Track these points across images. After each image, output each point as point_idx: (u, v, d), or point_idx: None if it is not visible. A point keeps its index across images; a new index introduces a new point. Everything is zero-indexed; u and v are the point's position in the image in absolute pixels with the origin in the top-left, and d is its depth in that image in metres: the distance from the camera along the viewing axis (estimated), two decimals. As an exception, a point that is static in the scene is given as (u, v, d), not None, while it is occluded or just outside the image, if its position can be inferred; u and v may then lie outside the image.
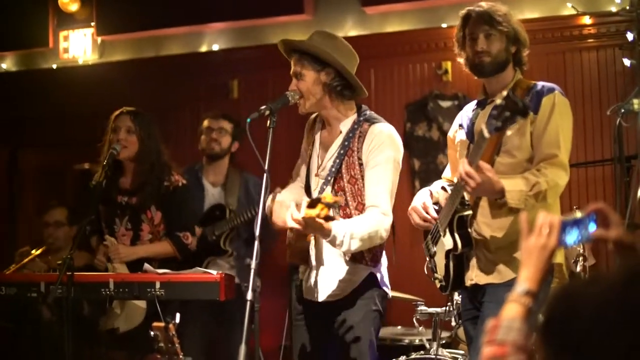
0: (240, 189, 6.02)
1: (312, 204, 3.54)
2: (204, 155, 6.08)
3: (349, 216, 3.88)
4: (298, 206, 3.68)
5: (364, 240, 3.75)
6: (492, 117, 3.28)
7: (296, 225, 3.64)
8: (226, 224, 5.83)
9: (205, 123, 6.10)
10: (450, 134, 4.16)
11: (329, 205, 3.49)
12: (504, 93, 3.26)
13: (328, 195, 3.55)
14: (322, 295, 4.01)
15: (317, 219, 3.53)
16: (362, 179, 3.89)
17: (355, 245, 3.74)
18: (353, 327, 3.92)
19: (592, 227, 2.14)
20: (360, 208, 3.88)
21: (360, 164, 3.90)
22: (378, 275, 4.00)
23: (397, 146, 3.94)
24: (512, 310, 2.08)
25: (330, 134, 4.03)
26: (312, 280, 4.05)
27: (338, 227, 3.70)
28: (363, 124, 3.96)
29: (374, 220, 3.80)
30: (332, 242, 3.73)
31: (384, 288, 4.02)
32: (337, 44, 3.99)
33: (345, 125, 3.98)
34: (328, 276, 3.99)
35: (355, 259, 3.94)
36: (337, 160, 3.93)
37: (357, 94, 4.03)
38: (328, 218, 3.57)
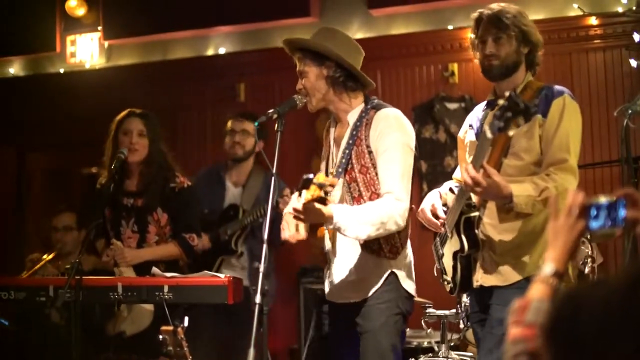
0: (261, 188, 5.98)
1: (305, 186, 3.42)
2: (229, 159, 6.05)
3: None
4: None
5: (375, 225, 3.67)
6: (495, 118, 3.27)
7: (298, 215, 3.55)
8: (237, 224, 5.83)
9: (229, 125, 6.04)
10: (460, 135, 4.15)
11: (320, 186, 3.38)
12: (507, 94, 3.26)
13: (320, 176, 3.47)
14: (342, 297, 3.97)
15: (315, 204, 3.46)
16: (374, 168, 3.84)
17: (366, 232, 3.67)
18: (374, 333, 3.85)
19: (621, 212, 2.09)
20: (374, 198, 3.81)
21: (370, 152, 3.85)
22: (400, 274, 3.90)
23: (405, 129, 3.89)
24: (540, 291, 2.06)
25: (342, 128, 4.02)
26: (331, 279, 4.00)
27: (341, 212, 3.64)
28: (370, 111, 3.93)
29: (387, 205, 3.72)
30: (338, 229, 3.66)
31: (407, 288, 3.93)
32: (337, 38, 3.99)
33: (352, 116, 3.96)
34: (346, 275, 3.93)
35: (372, 250, 3.87)
36: (347, 151, 3.90)
37: (363, 85, 4.01)
38: (323, 202, 3.47)
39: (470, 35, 3.95)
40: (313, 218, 3.61)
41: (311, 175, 3.39)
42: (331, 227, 3.69)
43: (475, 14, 3.88)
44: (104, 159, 4.97)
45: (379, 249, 3.88)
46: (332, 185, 3.44)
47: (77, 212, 6.40)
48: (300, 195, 3.51)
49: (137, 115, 4.97)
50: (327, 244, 4.02)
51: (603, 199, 2.12)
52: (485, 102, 3.99)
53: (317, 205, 3.50)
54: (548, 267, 2.12)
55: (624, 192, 2.12)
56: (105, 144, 5.00)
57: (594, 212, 2.12)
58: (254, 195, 5.94)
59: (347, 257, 3.95)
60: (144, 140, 4.91)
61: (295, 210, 3.55)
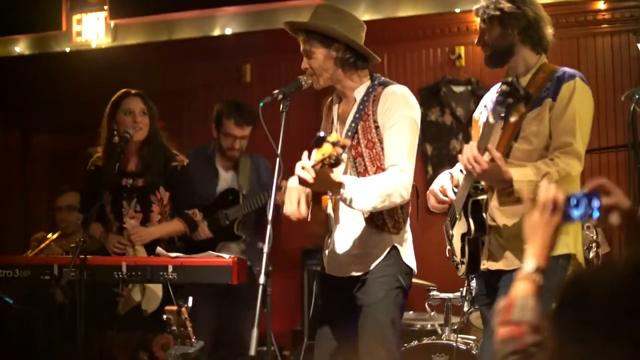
0: (251, 172, 5.96)
1: (318, 144, 3.36)
2: (220, 151, 5.93)
3: None
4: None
5: (381, 197, 3.66)
6: (497, 104, 3.27)
7: (306, 176, 3.45)
8: (240, 210, 5.80)
9: (231, 127, 5.81)
10: (475, 115, 4.14)
11: (334, 144, 3.30)
12: (509, 79, 3.25)
13: (334, 135, 3.42)
14: (343, 271, 3.97)
15: (326, 166, 3.39)
16: (380, 143, 3.84)
17: (371, 203, 3.67)
18: (373, 306, 3.87)
19: (595, 202, 2.13)
20: (380, 173, 3.81)
21: (377, 127, 3.85)
22: (402, 249, 3.92)
23: (413, 105, 3.88)
24: (523, 288, 2.07)
25: (347, 105, 4.01)
26: (332, 251, 4.00)
27: (350, 181, 3.64)
28: (377, 87, 3.93)
29: (392, 177, 3.72)
30: (345, 199, 3.64)
31: (408, 263, 3.95)
32: (341, 16, 3.97)
33: (359, 92, 3.95)
34: (349, 248, 3.94)
35: (376, 225, 3.88)
36: (353, 125, 3.90)
37: (370, 61, 4.01)
38: (337, 161, 3.36)
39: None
40: (321, 183, 3.55)
41: (322, 134, 3.36)
42: (338, 197, 3.67)
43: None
44: (101, 138, 4.97)
45: (382, 224, 3.89)
46: (345, 146, 3.37)
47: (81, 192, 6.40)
48: (310, 155, 3.47)
49: (137, 95, 4.97)
50: (330, 214, 4.01)
51: (580, 191, 2.18)
52: (499, 84, 3.98)
53: (328, 168, 3.43)
54: (529, 264, 2.13)
55: (597, 183, 2.16)
56: (101, 125, 5.00)
57: (574, 201, 2.16)
58: (247, 178, 5.93)
59: (349, 230, 3.96)
60: (145, 119, 4.92)
61: (304, 169, 3.47)
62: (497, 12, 3.74)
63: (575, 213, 2.16)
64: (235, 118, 5.80)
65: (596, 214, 2.14)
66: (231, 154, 5.85)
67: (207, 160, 5.93)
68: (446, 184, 3.94)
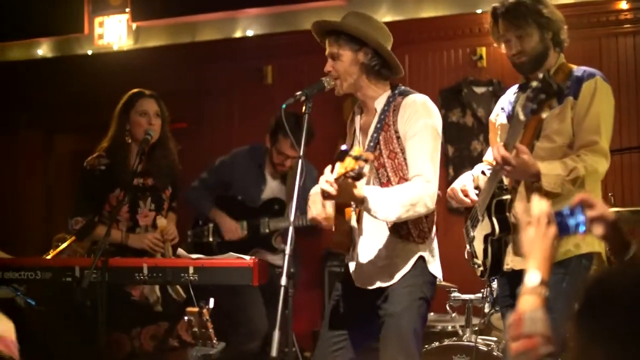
0: (296, 178, 5.93)
1: (341, 158, 3.37)
2: (270, 160, 5.94)
3: None
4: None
5: (405, 206, 3.63)
6: (528, 100, 3.25)
7: (329, 189, 3.46)
8: (283, 223, 5.80)
9: (285, 146, 5.80)
10: (491, 117, 4.12)
11: (357, 158, 3.29)
12: (540, 75, 3.23)
13: (357, 149, 3.41)
14: (370, 282, 3.93)
15: (349, 180, 3.38)
16: (402, 153, 3.81)
17: (396, 213, 3.63)
18: (397, 316, 3.82)
19: (580, 217, 2.22)
20: (403, 183, 3.78)
21: (398, 137, 3.82)
22: (428, 258, 3.88)
23: (433, 114, 3.85)
24: (531, 302, 2.08)
25: (368, 116, 3.99)
26: (358, 263, 3.96)
27: (372, 192, 3.61)
28: (397, 97, 3.90)
29: (417, 187, 3.69)
30: (368, 209, 3.61)
31: (434, 272, 3.90)
32: (372, 23, 3.96)
33: (379, 103, 3.92)
34: (374, 259, 3.90)
35: (401, 235, 3.84)
36: (375, 135, 3.87)
37: (394, 73, 3.98)
38: (359, 175, 3.36)
39: (491, 24, 3.92)
40: (344, 195, 3.54)
41: (344, 147, 3.36)
42: (362, 207, 3.65)
43: (491, 10, 3.86)
44: (109, 136, 4.98)
45: (407, 233, 3.85)
46: (367, 160, 3.37)
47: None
48: (333, 168, 3.47)
49: (151, 97, 4.99)
50: (354, 226, 3.98)
51: (567, 207, 2.26)
52: (517, 85, 3.96)
53: (350, 181, 3.42)
54: (533, 278, 2.14)
55: (578, 199, 2.24)
56: (111, 122, 5.02)
57: (567, 211, 2.23)
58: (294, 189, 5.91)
59: (374, 241, 3.92)
60: (158, 121, 4.93)
61: (327, 182, 3.47)
62: (544, 13, 3.70)
63: (572, 222, 2.22)
64: (292, 139, 5.72)
65: (582, 228, 2.22)
66: (280, 169, 5.88)
67: (257, 165, 5.96)
68: (468, 184, 3.93)
